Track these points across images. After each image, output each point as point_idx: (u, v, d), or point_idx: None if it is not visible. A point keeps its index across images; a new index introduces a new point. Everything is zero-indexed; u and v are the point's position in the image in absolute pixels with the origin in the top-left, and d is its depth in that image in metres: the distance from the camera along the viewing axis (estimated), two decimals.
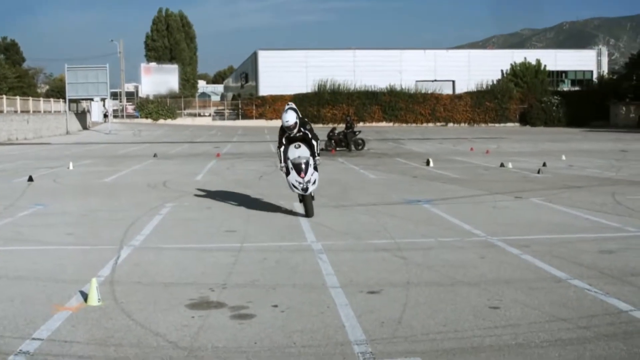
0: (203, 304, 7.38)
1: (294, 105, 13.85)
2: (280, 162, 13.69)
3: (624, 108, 79.97)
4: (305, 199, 13.36)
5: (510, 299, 7.44)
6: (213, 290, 7.94)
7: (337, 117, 74.19)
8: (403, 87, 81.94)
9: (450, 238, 11.12)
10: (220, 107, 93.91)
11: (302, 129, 13.43)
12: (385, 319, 6.75)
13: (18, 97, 60.50)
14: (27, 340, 6.19)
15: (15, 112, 56.98)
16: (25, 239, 11.29)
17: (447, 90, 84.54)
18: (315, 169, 13.53)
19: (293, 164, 13.36)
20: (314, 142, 13.51)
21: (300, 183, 13.23)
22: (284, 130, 13.54)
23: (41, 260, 9.65)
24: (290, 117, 13.31)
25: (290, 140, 13.55)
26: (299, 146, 13.51)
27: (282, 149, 13.61)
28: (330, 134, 36.56)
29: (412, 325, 6.58)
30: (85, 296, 7.54)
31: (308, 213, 13.33)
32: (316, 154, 13.54)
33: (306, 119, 14.31)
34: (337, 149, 35.41)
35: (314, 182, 13.41)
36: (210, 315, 6.97)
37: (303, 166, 13.27)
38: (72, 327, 6.66)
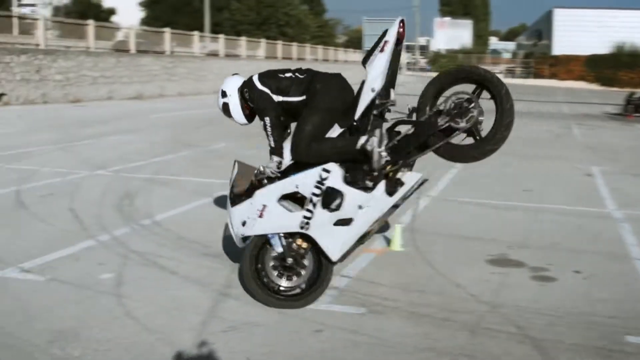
0: (503, 261, 7.42)
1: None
2: None
3: None
4: None
5: None
6: (512, 248, 7.95)
7: (634, 81, 70.01)
8: None
9: None
10: (511, 65, 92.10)
11: None
12: None
13: (320, 46, 63.31)
14: (337, 277, 6.57)
15: (317, 60, 59.79)
16: None
17: None
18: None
19: None
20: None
21: None
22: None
23: None
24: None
25: None
26: None
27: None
28: (629, 98, 34.65)
29: None
30: (388, 241, 7.87)
31: None
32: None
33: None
34: (635, 114, 33.50)
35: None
36: (510, 273, 7.00)
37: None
38: (377, 269, 6.99)
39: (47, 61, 28.84)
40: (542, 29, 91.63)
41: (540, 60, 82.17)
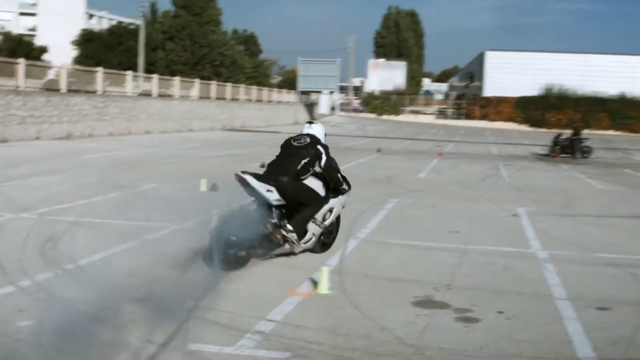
0: (428, 303, 7.48)
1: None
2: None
3: None
4: None
5: None
6: (437, 289, 8.02)
7: (562, 123, 71.83)
8: (635, 94, 77.96)
9: None
10: (443, 106, 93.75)
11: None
12: (616, 338, 6.54)
13: (254, 87, 63.54)
14: (262, 321, 6.55)
15: (250, 100, 59.94)
16: None
17: None
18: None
19: None
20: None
21: None
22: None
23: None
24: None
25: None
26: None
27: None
28: (556, 139, 35.53)
29: None
30: (315, 284, 7.87)
31: None
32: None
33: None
34: (562, 155, 34.33)
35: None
36: (435, 315, 7.05)
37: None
38: (303, 312, 6.98)
39: None
40: (474, 71, 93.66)
41: (472, 102, 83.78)
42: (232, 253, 8.29)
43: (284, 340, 6.13)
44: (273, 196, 8.67)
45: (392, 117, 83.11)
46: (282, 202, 8.77)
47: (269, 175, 8.88)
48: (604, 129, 76.14)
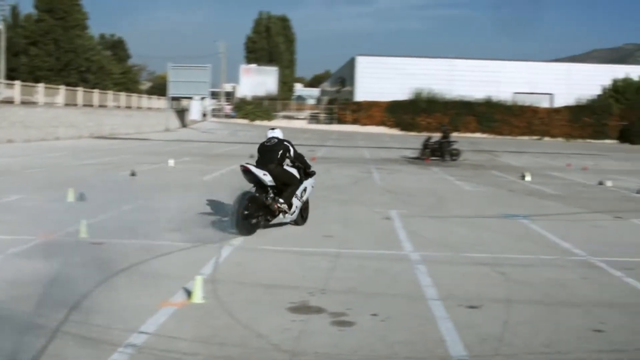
0: (303, 308, 7.48)
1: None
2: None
3: None
4: None
5: (615, 324, 7.28)
6: (313, 294, 8.04)
7: (431, 126, 73.75)
8: (500, 98, 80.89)
9: (550, 256, 10.94)
10: (315, 111, 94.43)
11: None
12: (486, 336, 6.71)
13: (122, 93, 62.26)
14: (135, 334, 6.38)
15: (119, 107, 58.70)
16: (129, 233, 11.53)
17: (544, 103, 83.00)
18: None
19: None
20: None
21: None
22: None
23: (144, 256, 9.87)
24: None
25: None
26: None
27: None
28: (426, 142, 36.41)
29: (514, 343, 6.52)
30: (189, 293, 7.73)
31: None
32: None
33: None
34: (432, 158, 35.21)
35: None
36: (310, 320, 7.06)
37: None
38: (178, 323, 6.84)
39: None
40: (346, 76, 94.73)
41: (343, 106, 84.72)
42: (247, 222, 11.63)
43: (157, 353, 5.99)
44: (267, 178, 12.19)
45: (265, 123, 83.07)
46: (274, 183, 12.31)
47: (261, 166, 12.37)
48: (471, 131, 78.57)
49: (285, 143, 12.92)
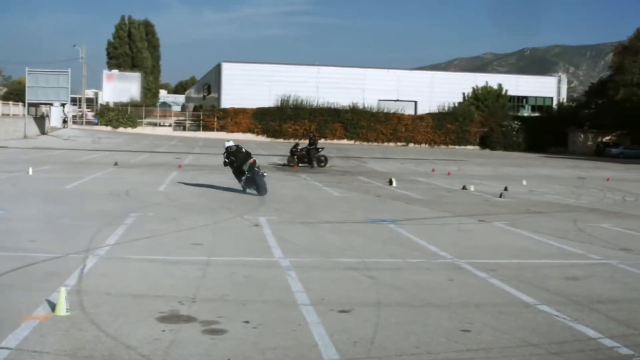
0: (173, 318, 7.31)
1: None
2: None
3: (582, 135, 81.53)
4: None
5: (481, 323, 7.48)
6: (183, 303, 7.87)
7: (298, 133, 74.33)
8: (365, 105, 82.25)
9: (417, 259, 11.17)
10: (181, 118, 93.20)
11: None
12: (357, 339, 6.75)
13: None
14: None
15: None
16: None
17: (409, 110, 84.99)
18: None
19: None
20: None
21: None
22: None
23: (5, 267, 9.42)
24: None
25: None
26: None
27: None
28: (293, 149, 36.55)
29: (385, 345, 6.58)
30: (52, 305, 7.42)
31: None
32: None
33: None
34: (300, 165, 35.39)
35: None
36: (181, 330, 6.90)
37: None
38: (41, 336, 6.54)
39: None
40: (211, 82, 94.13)
41: (209, 113, 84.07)
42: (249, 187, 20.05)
43: None
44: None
45: (129, 130, 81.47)
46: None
47: (246, 158, 20.72)
48: (338, 138, 79.58)
49: (245, 149, 21.55)
